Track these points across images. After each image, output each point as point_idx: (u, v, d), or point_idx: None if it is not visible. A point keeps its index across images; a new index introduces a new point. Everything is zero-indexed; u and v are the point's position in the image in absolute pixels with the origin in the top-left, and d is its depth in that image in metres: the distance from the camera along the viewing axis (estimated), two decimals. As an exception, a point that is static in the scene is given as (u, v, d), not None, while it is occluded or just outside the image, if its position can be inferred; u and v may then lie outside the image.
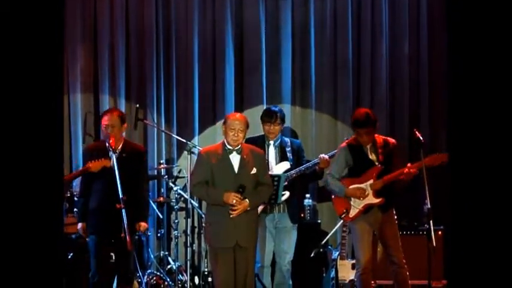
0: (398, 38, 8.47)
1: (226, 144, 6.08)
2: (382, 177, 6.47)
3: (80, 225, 6.70)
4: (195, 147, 7.63)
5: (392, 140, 6.68)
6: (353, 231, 6.67)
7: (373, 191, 6.50)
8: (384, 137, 6.65)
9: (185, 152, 7.77)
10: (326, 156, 6.96)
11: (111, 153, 6.65)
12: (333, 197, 6.76)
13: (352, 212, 6.54)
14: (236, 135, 6.03)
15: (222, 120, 6.27)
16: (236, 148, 6.08)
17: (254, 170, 6.08)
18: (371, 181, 6.51)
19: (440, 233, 7.55)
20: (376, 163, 6.53)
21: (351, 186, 6.53)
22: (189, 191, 7.43)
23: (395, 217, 6.62)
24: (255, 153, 6.18)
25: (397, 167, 6.52)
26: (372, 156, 6.56)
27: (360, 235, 6.55)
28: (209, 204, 6.22)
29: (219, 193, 5.99)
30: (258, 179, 6.12)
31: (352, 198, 6.52)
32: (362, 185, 6.52)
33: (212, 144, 6.62)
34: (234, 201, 5.93)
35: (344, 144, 6.72)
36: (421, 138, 6.44)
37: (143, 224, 6.75)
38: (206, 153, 6.15)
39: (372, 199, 6.50)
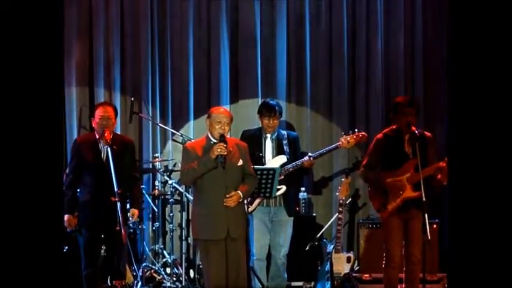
0: (394, 33, 8.46)
1: (212, 138, 6.05)
2: (419, 170, 6.35)
3: (66, 216, 6.59)
4: (190, 140, 7.63)
5: (428, 134, 6.62)
6: (385, 225, 6.63)
7: (410, 184, 6.46)
8: (420, 130, 6.51)
9: (180, 146, 7.76)
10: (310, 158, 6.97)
11: (101, 145, 6.67)
12: (368, 189, 6.73)
13: (390, 207, 6.49)
14: (223, 128, 6.01)
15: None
16: None
17: (240, 162, 6.07)
18: (408, 174, 6.47)
19: (435, 226, 7.57)
20: (411, 156, 6.46)
21: (388, 180, 6.50)
22: (181, 184, 7.53)
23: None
24: (240, 145, 6.18)
25: (433, 161, 6.46)
26: (408, 149, 6.52)
27: (392, 229, 6.51)
28: (196, 196, 6.15)
29: (205, 157, 5.92)
30: (244, 171, 6.11)
31: (390, 193, 6.48)
32: (399, 179, 6.48)
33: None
34: (219, 149, 5.87)
35: (380, 135, 6.68)
36: (416, 132, 6.43)
37: (136, 212, 6.82)
38: (192, 146, 6.14)
39: (410, 193, 6.45)
